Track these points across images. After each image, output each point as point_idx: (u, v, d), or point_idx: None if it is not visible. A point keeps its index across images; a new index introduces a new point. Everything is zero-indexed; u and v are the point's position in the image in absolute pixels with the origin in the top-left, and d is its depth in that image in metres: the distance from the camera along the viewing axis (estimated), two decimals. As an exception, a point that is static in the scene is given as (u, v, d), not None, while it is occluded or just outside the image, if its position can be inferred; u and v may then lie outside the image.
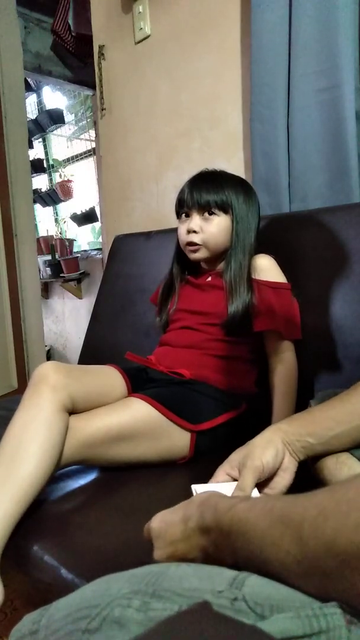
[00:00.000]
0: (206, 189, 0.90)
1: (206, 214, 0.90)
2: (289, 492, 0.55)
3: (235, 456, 0.57)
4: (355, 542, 0.27)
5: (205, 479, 0.58)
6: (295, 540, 0.30)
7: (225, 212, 0.91)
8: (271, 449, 0.54)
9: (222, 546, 0.37)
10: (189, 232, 0.92)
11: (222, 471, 0.57)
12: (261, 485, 0.55)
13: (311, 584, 0.29)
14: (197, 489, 0.56)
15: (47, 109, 3.25)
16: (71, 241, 3.10)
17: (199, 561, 0.40)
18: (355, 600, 0.27)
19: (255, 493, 0.54)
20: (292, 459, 0.55)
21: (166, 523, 0.43)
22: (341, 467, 0.53)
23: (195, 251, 0.93)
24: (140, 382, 0.87)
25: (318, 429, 0.54)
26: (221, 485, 0.56)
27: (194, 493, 0.55)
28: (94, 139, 3.03)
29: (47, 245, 3.11)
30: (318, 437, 0.54)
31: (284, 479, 0.55)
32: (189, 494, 0.54)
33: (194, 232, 0.91)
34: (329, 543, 0.28)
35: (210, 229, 0.91)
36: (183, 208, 0.93)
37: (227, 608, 0.29)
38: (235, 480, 0.56)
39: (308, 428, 0.54)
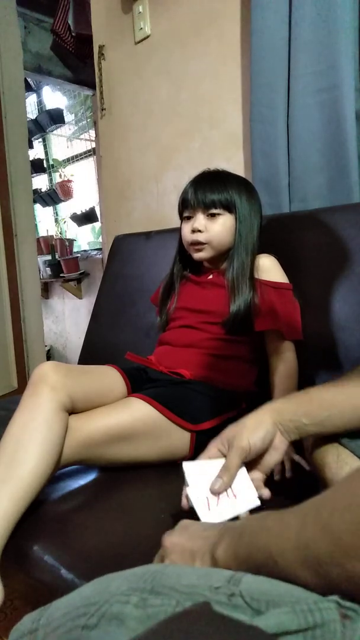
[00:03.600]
0: (210, 189, 0.90)
1: (210, 214, 0.91)
2: (289, 489, 0.55)
3: (227, 433, 0.58)
4: (346, 520, 0.28)
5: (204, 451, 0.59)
6: (297, 527, 0.31)
7: (229, 211, 0.91)
8: (260, 430, 0.55)
9: (226, 544, 0.37)
10: (193, 231, 0.92)
11: (213, 446, 0.59)
12: (252, 464, 0.57)
13: (308, 572, 0.30)
14: (187, 466, 0.57)
15: (47, 109, 3.25)
16: (71, 241, 3.10)
17: (199, 556, 0.40)
18: (348, 586, 0.28)
19: (244, 474, 0.55)
20: (283, 438, 0.56)
21: (194, 523, 0.45)
22: (343, 465, 0.53)
23: (199, 250, 0.93)
24: (140, 382, 0.87)
25: (312, 410, 0.55)
26: (210, 462, 0.57)
27: (184, 471, 0.56)
28: (94, 139, 3.03)
29: (47, 245, 3.11)
30: (312, 418, 0.55)
31: (274, 456, 0.56)
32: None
33: (199, 231, 0.91)
34: (325, 525, 0.29)
35: (214, 228, 0.91)
36: (187, 208, 0.93)
37: (225, 604, 0.29)
38: (225, 455, 0.57)
39: (303, 408, 0.55)
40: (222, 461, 0.56)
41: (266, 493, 0.56)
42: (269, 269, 0.91)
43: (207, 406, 0.82)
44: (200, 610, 0.29)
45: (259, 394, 0.90)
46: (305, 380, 0.87)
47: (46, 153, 3.51)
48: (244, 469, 0.56)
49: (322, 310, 0.89)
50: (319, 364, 0.89)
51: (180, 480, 0.58)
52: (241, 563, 0.35)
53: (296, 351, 0.88)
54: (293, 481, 0.70)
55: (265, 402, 0.85)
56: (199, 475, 0.55)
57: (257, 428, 0.55)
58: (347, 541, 0.27)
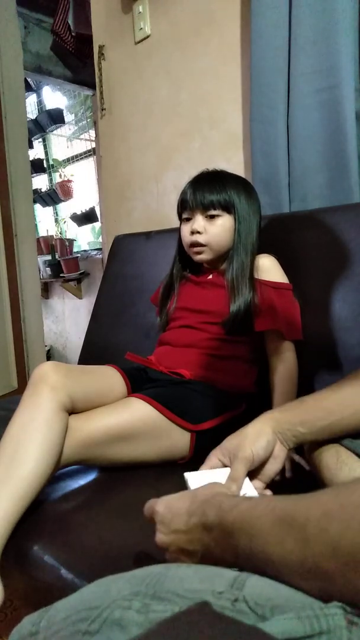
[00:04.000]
0: (209, 189, 0.90)
1: (209, 215, 0.90)
2: (289, 490, 0.56)
3: (228, 444, 0.58)
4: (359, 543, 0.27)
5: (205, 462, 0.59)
6: (299, 541, 0.30)
7: (228, 212, 0.91)
8: (262, 439, 0.56)
9: (223, 544, 0.37)
10: (192, 233, 0.92)
11: (214, 456, 0.59)
12: (252, 473, 0.57)
13: (313, 584, 0.29)
14: (190, 476, 0.56)
15: (47, 109, 3.25)
16: (71, 241, 3.10)
17: (199, 554, 0.40)
18: (357, 601, 0.27)
19: (247, 483, 0.55)
20: (282, 447, 0.57)
21: (171, 511, 0.43)
22: (342, 466, 0.53)
23: (199, 253, 0.93)
24: (139, 382, 0.87)
25: (310, 419, 0.55)
26: (213, 472, 0.57)
27: (187, 481, 0.55)
28: (93, 139, 3.03)
29: (47, 245, 3.11)
30: (309, 427, 0.55)
31: (274, 465, 0.57)
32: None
33: (198, 232, 0.91)
34: (333, 544, 0.28)
35: (214, 230, 0.91)
36: (186, 209, 0.93)
37: (228, 609, 0.29)
38: (225, 465, 0.57)
39: (300, 417, 0.56)
40: (224, 470, 0.56)
41: (269, 494, 0.57)
42: (269, 269, 0.91)
43: (207, 406, 0.82)
44: (200, 611, 0.28)
45: (259, 394, 0.90)
46: (305, 380, 0.87)
47: (46, 153, 3.51)
48: (246, 479, 0.56)
49: (322, 310, 0.89)
50: (319, 364, 0.89)
51: (179, 480, 0.58)
52: (243, 563, 0.34)
53: (296, 351, 0.88)
54: (293, 481, 0.70)
55: (265, 403, 0.86)
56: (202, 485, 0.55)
57: (258, 437, 0.56)
58: None
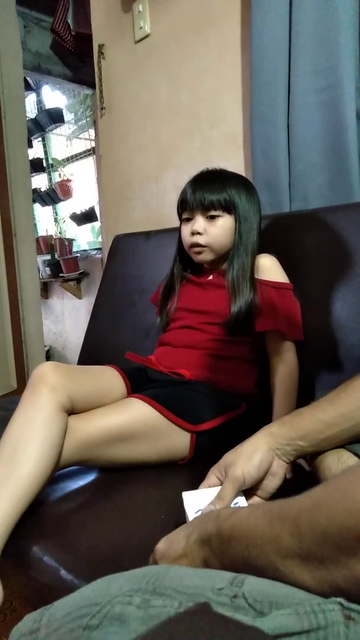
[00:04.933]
0: (209, 189, 0.89)
1: (210, 215, 0.90)
2: (285, 492, 0.56)
3: (225, 460, 0.57)
4: (347, 526, 0.27)
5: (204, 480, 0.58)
6: (293, 533, 0.31)
7: (229, 212, 0.90)
8: (256, 457, 0.55)
9: (222, 555, 0.37)
10: (193, 233, 0.91)
11: (212, 474, 0.58)
12: (251, 488, 0.56)
13: (311, 575, 0.30)
14: (186, 495, 0.56)
15: (46, 108, 3.24)
16: (70, 241, 3.10)
17: None
18: (353, 587, 0.28)
19: (242, 501, 0.55)
20: (281, 462, 0.56)
21: (170, 541, 0.44)
22: (342, 467, 0.53)
23: (200, 253, 0.93)
24: (139, 383, 0.86)
25: (309, 433, 0.54)
26: (210, 490, 0.56)
27: (184, 500, 0.55)
28: (93, 138, 3.02)
29: (47, 244, 3.11)
30: (308, 440, 0.54)
31: (273, 482, 0.56)
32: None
33: (198, 233, 0.90)
34: (324, 531, 0.29)
35: (214, 231, 0.90)
36: (186, 209, 0.93)
37: (227, 605, 0.29)
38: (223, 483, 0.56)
39: (299, 432, 0.55)
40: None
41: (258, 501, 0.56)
42: (269, 269, 0.91)
43: (207, 406, 0.82)
44: (200, 611, 0.28)
45: (260, 394, 0.90)
46: (306, 380, 0.87)
47: (45, 152, 3.51)
48: (242, 498, 0.55)
49: (323, 309, 0.89)
50: (320, 364, 0.89)
51: (179, 480, 0.58)
52: (241, 570, 0.34)
53: (297, 351, 0.88)
54: (293, 482, 0.70)
55: (266, 403, 0.85)
56: (198, 506, 0.54)
57: (252, 456, 0.55)
58: (353, 546, 0.27)
